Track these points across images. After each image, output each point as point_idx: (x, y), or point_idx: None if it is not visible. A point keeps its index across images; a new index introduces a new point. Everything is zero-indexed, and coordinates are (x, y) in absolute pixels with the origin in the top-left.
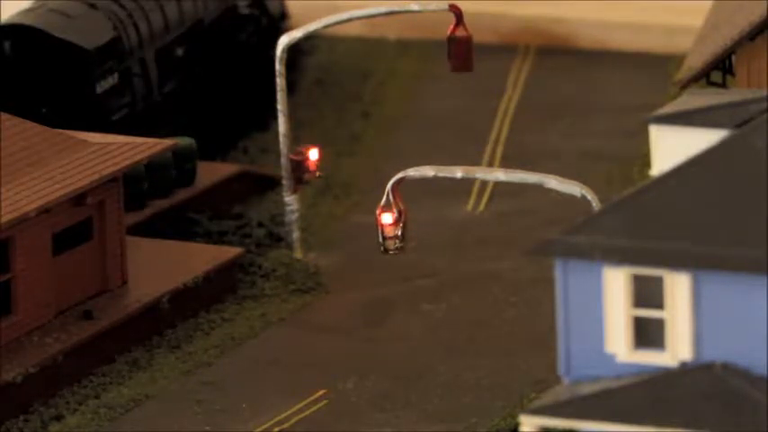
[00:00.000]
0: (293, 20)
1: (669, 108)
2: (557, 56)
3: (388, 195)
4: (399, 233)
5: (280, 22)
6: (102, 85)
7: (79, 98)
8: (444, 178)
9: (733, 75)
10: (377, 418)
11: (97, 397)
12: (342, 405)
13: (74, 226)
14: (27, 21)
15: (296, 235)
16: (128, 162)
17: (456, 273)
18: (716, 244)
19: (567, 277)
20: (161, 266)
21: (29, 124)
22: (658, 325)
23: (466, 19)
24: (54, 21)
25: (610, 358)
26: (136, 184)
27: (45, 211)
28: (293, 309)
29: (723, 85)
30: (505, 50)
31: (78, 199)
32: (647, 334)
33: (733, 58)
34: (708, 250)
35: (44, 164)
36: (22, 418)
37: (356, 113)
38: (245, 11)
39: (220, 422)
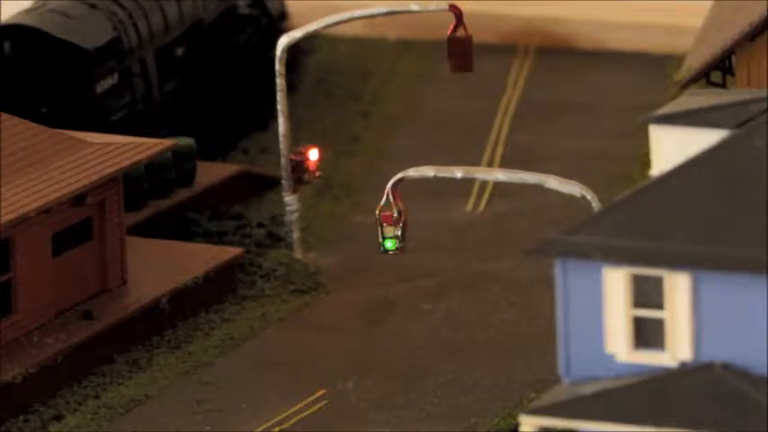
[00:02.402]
0: (293, 20)
1: (669, 108)
2: (557, 56)
3: (387, 195)
4: (399, 233)
5: (280, 22)
6: (102, 85)
7: (79, 98)
8: (444, 178)
9: (733, 75)
10: (377, 419)
11: (97, 397)
12: (342, 405)
13: (74, 226)
14: (27, 21)
15: (296, 235)
16: (128, 162)
17: (456, 273)
18: (716, 244)
19: (567, 277)
20: (161, 266)
21: (29, 124)
22: (658, 325)
23: (466, 19)
24: (54, 21)
25: (609, 358)
26: (136, 184)
27: (45, 211)
28: (293, 309)
29: (723, 86)
30: (505, 50)
31: (78, 199)
32: (647, 334)
33: (733, 58)
34: (708, 250)
35: (44, 164)
36: (22, 418)
37: (356, 113)
38: (244, 11)
39: (220, 422)
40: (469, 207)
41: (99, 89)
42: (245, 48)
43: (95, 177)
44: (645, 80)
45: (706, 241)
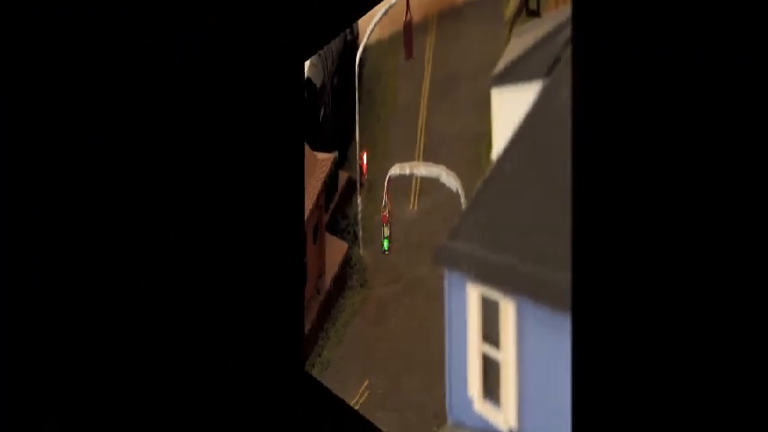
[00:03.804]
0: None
1: (503, 62)
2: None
3: (384, 196)
4: (388, 233)
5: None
6: (322, 113)
7: (312, 124)
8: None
9: None
10: (377, 419)
11: (320, 355)
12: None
13: (315, 224)
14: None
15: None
16: (327, 172)
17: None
18: (530, 260)
19: (450, 292)
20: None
21: (309, 150)
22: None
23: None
24: (310, 69)
25: (471, 404)
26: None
27: (311, 212)
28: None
29: (537, 13)
30: (423, 27)
31: (317, 202)
32: (494, 381)
33: None
34: (524, 268)
35: (308, 177)
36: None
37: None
38: (350, 38)
39: None
40: (411, 205)
41: (320, 117)
42: (351, 70)
43: (320, 185)
44: (485, 30)
45: (522, 255)
